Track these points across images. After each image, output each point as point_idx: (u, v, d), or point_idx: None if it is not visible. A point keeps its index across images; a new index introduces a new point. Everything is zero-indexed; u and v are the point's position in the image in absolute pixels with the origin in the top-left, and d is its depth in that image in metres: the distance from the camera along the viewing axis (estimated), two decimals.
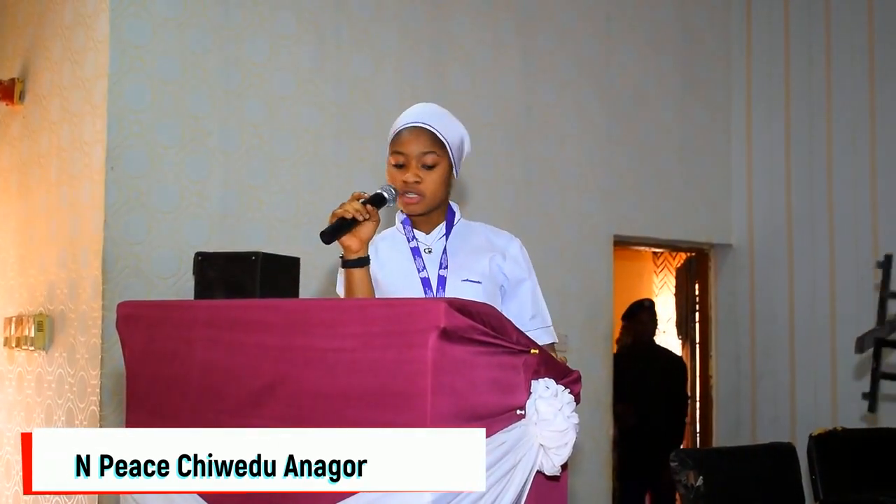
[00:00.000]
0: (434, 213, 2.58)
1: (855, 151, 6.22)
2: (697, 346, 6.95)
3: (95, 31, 4.53)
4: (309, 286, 4.46)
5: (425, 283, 2.51)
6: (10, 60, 5.43)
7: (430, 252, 2.56)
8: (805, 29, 6.49)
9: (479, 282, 2.50)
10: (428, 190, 2.50)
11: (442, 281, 2.51)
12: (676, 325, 7.43)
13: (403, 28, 5.30)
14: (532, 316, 2.58)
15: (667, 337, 7.97)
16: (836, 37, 6.33)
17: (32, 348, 4.82)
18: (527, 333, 2.46)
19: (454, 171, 2.56)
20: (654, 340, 6.80)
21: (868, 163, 6.15)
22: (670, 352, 6.85)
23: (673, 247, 6.99)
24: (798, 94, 6.50)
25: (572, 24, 6.03)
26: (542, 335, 2.56)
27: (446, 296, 2.46)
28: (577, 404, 2.10)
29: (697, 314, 6.96)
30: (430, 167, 2.50)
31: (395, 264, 2.56)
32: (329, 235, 2.34)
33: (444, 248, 2.57)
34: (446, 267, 2.53)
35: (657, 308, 6.95)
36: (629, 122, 6.26)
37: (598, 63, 6.15)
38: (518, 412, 2.00)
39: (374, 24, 5.19)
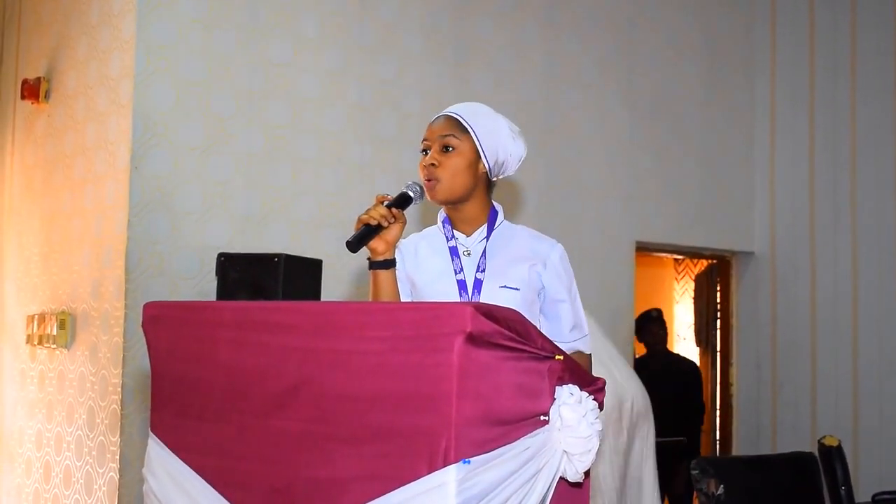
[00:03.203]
0: (470, 209, 2.53)
1: (878, 159, 6.18)
2: (718, 353, 6.92)
3: (121, 31, 4.55)
4: (331, 288, 4.46)
5: (461, 285, 2.48)
6: (35, 59, 5.46)
7: (468, 254, 2.52)
8: (830, 35, 6.45)
9: (517, 288, 2.46)
10: (445, 174, 2.45)
11: (478, 284, 2.47)
12: (696, 333, 7.38)
13: (427, 31, 5.30)
14: (572, 327, 2.57)
15: (686, 344, 7.93)
16: (861, 44, 6.29)
17: (54, 346, 4.84)
18: (568, 345, 2.48)
19: (484, 162, 2.50)
20: (667, 348, 6.76)
21: (892, 170, 6.11)
22: (685, 359, 6.81)
23: (695, 254, 6.96)
24: (821, 101, 6.46)
25: (595, 28, 6.02)
26: (581, 346, 2.56)
27: (481, 300, 2.43)
28: (600, 411, 2.09)
29: (719, 322, 6.92)
30: (449, 150, 2.47)
31: (433, 265, 2.53)
32: (355, 244, 2.32)
33: (484, 251, 2.52)
34: (484, 270, 2.49)
35: (672, 315, 6.91)
36: (651, 127, 6.25)
37: (621, 68, 6.13)
38: (542, 418, 1.99)
39: (397, 27, 5.20)
